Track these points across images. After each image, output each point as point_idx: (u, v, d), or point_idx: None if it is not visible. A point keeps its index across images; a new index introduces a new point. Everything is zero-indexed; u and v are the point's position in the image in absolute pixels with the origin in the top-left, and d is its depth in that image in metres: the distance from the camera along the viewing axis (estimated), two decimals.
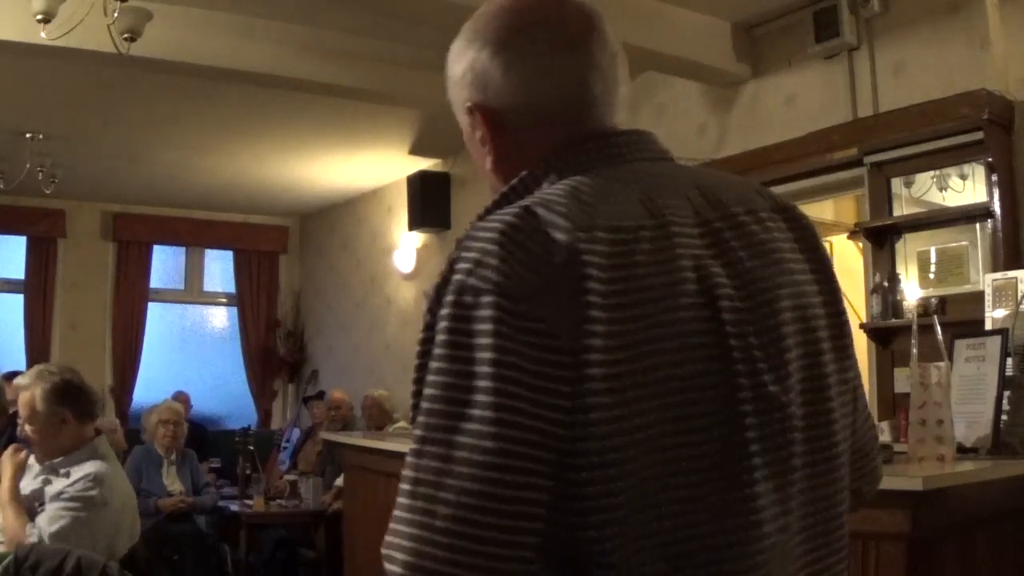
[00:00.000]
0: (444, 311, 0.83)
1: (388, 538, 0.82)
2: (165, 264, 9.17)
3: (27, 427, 2.88)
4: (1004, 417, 2.83)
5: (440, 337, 0.83)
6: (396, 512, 0.82)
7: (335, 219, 8.95)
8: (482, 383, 0.80)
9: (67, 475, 2.84)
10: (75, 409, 2.89)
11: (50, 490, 2.84)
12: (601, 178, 0.92)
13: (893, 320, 4.07)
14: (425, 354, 0.85)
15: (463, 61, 1.01)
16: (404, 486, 0.82)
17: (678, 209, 0.91)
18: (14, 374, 5.78)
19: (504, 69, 0.98)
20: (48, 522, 2.73)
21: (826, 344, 0.98)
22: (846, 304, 1.07)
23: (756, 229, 0.96)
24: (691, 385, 0.85)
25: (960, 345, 2.99)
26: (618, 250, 0.85)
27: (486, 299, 0.81)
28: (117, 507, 2.86)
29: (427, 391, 0.83)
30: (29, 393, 2.89)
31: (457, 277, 0.84)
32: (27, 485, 2.90)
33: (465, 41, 1.01)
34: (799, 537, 0.92)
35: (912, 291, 4.09)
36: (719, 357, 0.87)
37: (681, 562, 0.83)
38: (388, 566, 0.81)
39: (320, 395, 7.77)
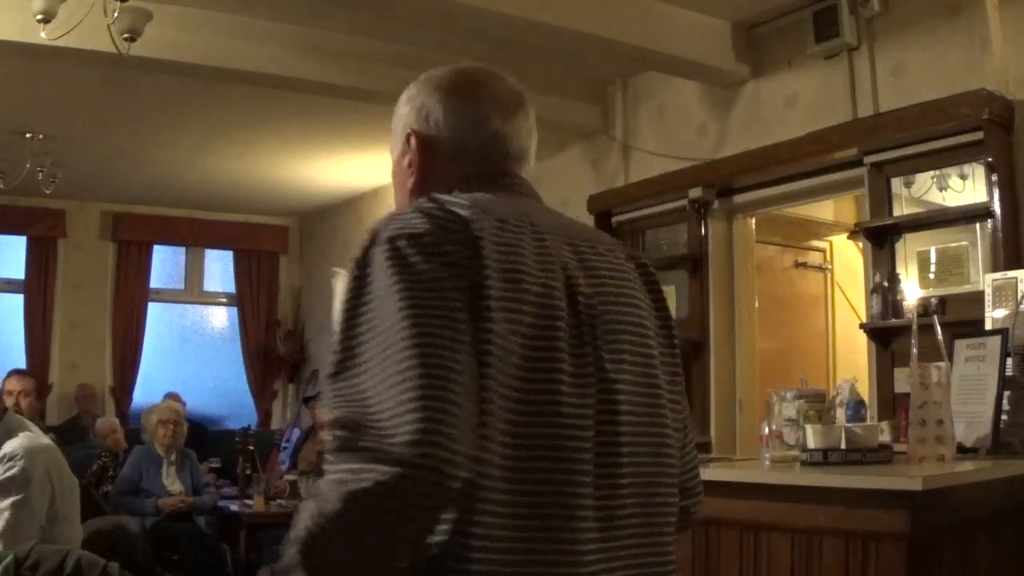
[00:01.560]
0: (379, 256, 1.03)
1: (394, 415, 0.97)
2: (165, 264, 9.17)
3: None
4: (1004, 417, 2.83)
5: (380, 272, 1.03)
6: (393, 398, 0.97)
7: (335, 219, 8.95)
8: (430, 284, 1.01)
9: None
10: None
11: None
12: (495, 196, 1.18)
13: (893, 320, 4.07)
14: (359, 295, 1.04)
15: (417, 100, 1.26)
16: (398, 365, 0.98)
17: (552, 229, 1.17)
18: (22, 371, 5.81)
19: (446, 111, 1.23)
20: None
21: (657, 363, 1.22)
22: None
23: (611, 258, 1.23)
24: (558, 346, 1.08)
25: (960, 345, 2.99)
26: (506, 236, 1.09)
27: (419, 240, 1.03)
28: (41, 473, 2.88)
29: (375, 315, 1.01)
30: None
31: (386, 235, 1.05)
32: None
33: (420, 86, 1.27)
34: (629, 501, 1.13)
35: (912, 291, 4.09)
36: (575, 334, 1.10)
37: (526, 488, 1.03)
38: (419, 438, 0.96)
39: (320, 395, 7.77)
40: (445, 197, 1.11)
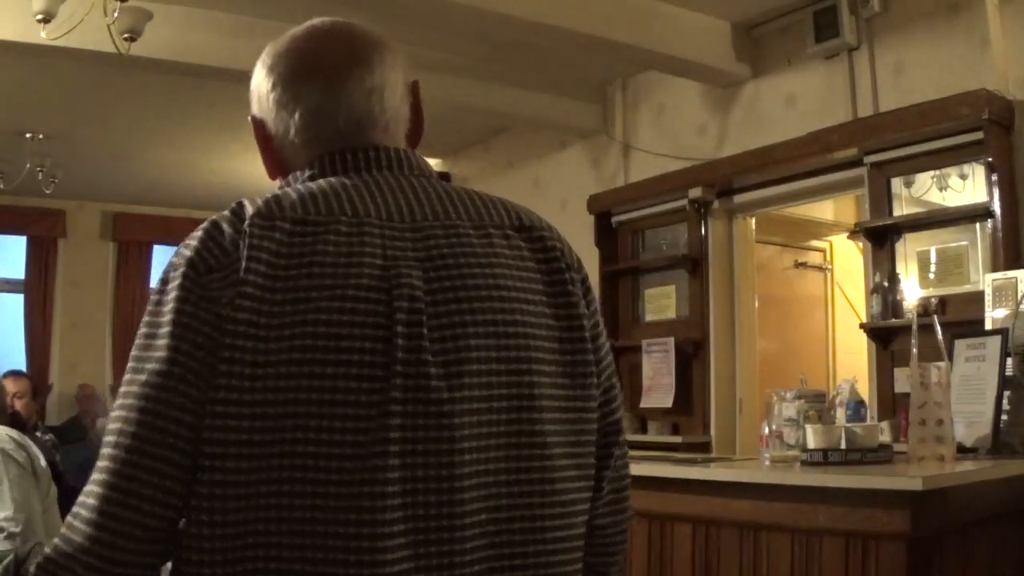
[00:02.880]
0: (158, 289, 0.98)
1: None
2: (165, 264, 9.15)
3: None
4: (1004, 417, 2.83)
5: (148, 307, 0.97)
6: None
7: None
8: (162, 331, 0.93)
9: None
10: None
11: None
12: (327, 182, 1.01)
13: (893, 320, 4.07)
14: (142, 324, 0.98)
15: (253, 79, 1.11)
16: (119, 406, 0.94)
17: (390, 213, 0.99)
18: (20, 372, 5.80)
19: (268, 92, 1.08)
20: None
21: (541, 363, 1.00)
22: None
23: (475, 241, 1.01)
24: (341, 372, 0.90)
25: (960, 345, 2.99)
26: (297, 240, 0.94)
27: (179, 271, 0.95)
28: (13, 447, 2.85)
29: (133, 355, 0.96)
30: None
31: (169, 261, 0.99)
32: None
33: (258, 62, 1.12)
34: (478, 530, 0.93)
35: (912, 291, 4.09)
36: (383, 345, 0.92)
37: (286, 527, 0.88)
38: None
39: None
40: (247, 202, 0.98)
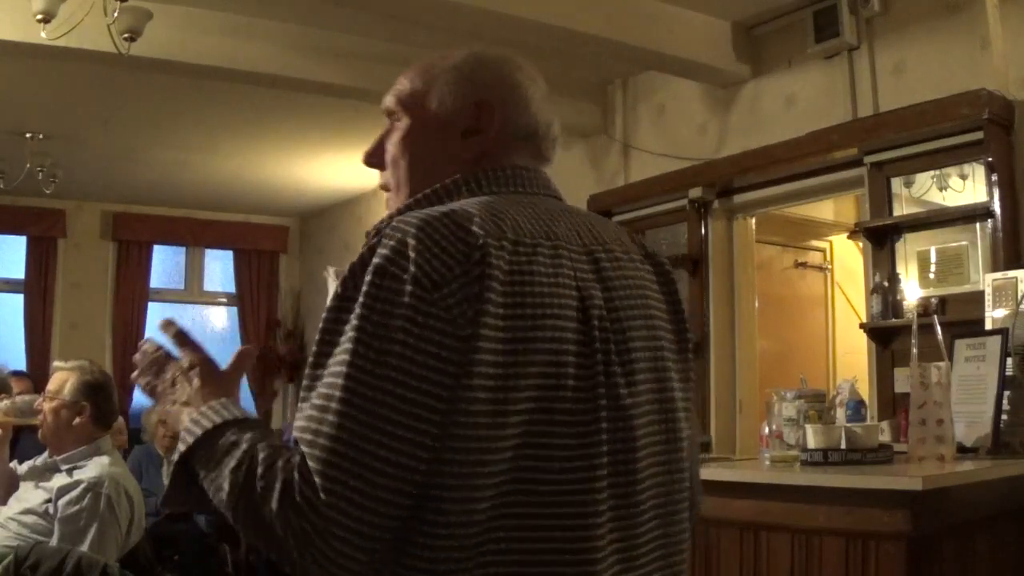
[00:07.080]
0: (366, 289, 0.97)
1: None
2: (165, 264, 9.16)
3: (45, 404, 2.93)
4: (1004, 417, 2.83)
5: (360, 311, 0.96)
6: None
7: (335, 219, 8.94)
8: (393, 359, 0.94)
9: (69, 474, 2.85)
10: (96, 408, 2.93)
11: (46, 484, 2.85)
12: (507, 200, 1.09)
13: (893, 320, 4.07)
14: (336, 321, 0.98)
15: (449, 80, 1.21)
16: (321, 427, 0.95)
17: (567, 236, 1.09)
18: (21, 372, 5.81)
19: (446, 83, 1.19)
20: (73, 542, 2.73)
21: (672, 372, 1.16)
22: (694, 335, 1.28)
23: (627, 264, 1.15)
24: (562, 384, 1.00)
25: (960, 345, 3.00)
26: (518, 259, 1.01)
27: (406, 287, 0.95)
28: (125, 506, 2.87)
29: (340, 357, 0.96)
30: (64, 375, 2.96)
31: (377, 261, 0.97)
32: (30, 464, 2.95)
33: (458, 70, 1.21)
34: (648, 526, 1.09)
35: (912, 291, 4.09)
36: (588, 362, 1.02)
37: (518, 544, 0.97)
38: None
39: None
40: (459, 216, 1.01)
